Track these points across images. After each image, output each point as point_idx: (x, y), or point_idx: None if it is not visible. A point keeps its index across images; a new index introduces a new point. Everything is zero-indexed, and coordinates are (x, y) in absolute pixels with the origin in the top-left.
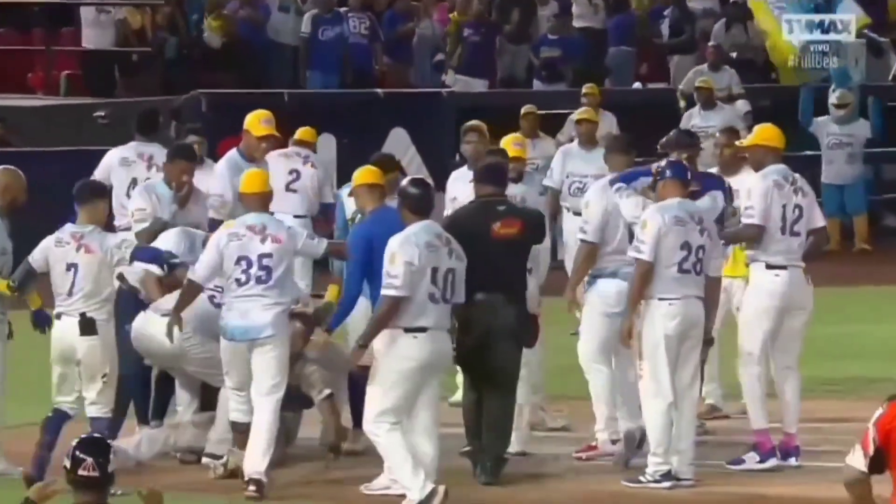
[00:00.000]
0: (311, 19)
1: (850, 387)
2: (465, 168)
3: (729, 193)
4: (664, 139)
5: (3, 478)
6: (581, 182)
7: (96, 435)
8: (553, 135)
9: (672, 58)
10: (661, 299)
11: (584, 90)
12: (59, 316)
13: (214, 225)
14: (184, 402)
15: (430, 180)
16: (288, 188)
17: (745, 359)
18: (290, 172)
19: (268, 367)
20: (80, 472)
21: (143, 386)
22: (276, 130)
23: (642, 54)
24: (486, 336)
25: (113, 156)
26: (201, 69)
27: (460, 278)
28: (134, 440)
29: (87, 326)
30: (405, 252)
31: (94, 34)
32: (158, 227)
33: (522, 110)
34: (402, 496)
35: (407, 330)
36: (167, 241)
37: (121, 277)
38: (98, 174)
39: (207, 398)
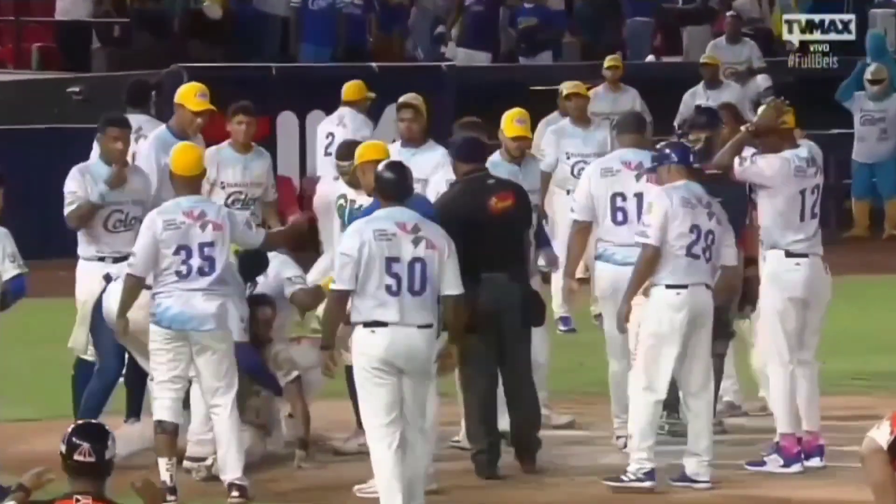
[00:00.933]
0: None
1: (880, 381)
2: (397, 144)
3: None
4: (683, 118)
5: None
6: (585, 162)
7: (94, 421)
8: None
9: (684, 29)
10: (668, 287)
11: (606, 63)
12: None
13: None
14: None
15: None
16: (326, 152)
17: (774, 359)
18: (327, 136)
19: (216, 368)
20: (76, 457)
21: (139, 378)
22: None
23: (657, 25)
24: (494, 317)
25: None
26: (185, 41)
27: (433, 269)
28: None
29: None
30: (345, 243)
31: (68, 4)
32: (86, 210)
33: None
34: None
35: (364, 325)
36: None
37: (107, 277)
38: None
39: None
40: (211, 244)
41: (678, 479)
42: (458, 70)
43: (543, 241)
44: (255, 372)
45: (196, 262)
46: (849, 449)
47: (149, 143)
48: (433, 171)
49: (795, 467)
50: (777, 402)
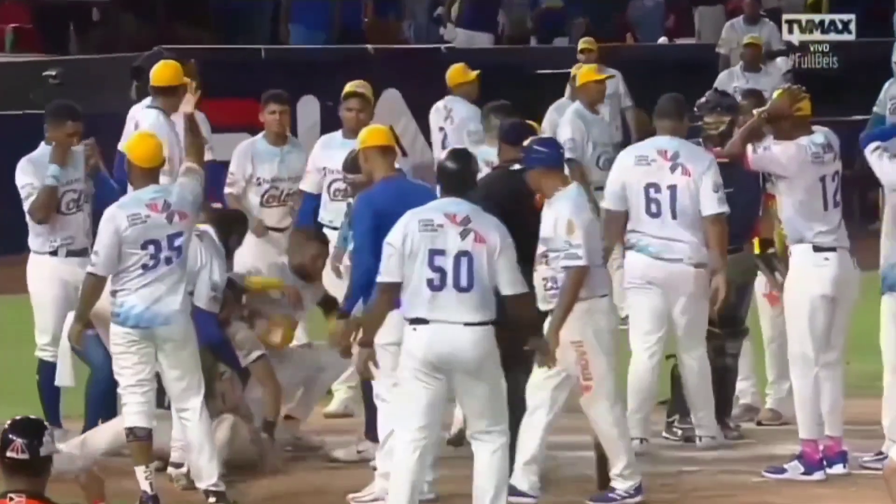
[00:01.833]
0: None
1: None
2: (338, 134)
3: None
4: (700, 101)
5: None
6: (612, 154)
7: (32, 416)
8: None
9: (696, 9)
10: (582, 300)
11: (580, 45)
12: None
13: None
14: None
15: (428, 150)
16: (443, 145)
17: (799, 361)
18: (439, 130)
19: (183, 367)
20: (9, 454)
21: None
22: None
23: (669, 6)
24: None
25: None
26: (169, 22)
27: (481, 264)
28: (77, 441)
29: None
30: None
31: None
32: (46, 197)
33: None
34: None
35: (409, 321)
36: None
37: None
38: None
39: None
40: (179, 234)
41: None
42: (458, 52)
43: None
44: (214, 344)
45: (164, 253)
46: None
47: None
48: None
49: (817, 475)
50: (799, 405)
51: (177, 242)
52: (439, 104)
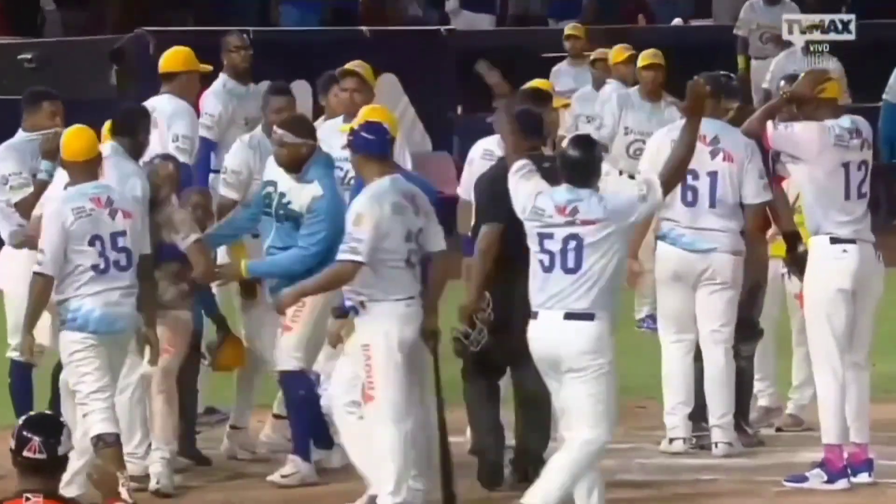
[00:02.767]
0: None
1: None
2: (334, 120)
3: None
4: (776, 81)
5: None
6: (643, 142)
7: (47, 412)
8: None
9: None
10: (397, 300)
11: (566, 32)
12: None
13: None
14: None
15: (426, 138)
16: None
17: (822, 362)
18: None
19: (121, 371)
20: (26, 453)
21: None
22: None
23: None
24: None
25: None
26: (150, 2)
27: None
28: None
29: None
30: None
31: None
32: (39, 192)
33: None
34: None
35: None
36: None
37: None
38: None
39: None
40: (122, 233)
41: None
42: (459, 35)
43: None
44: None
45: (111, 254)
46: None
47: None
48: None
49: (841, 483)
50: (822, 408)
51: (121, 242)
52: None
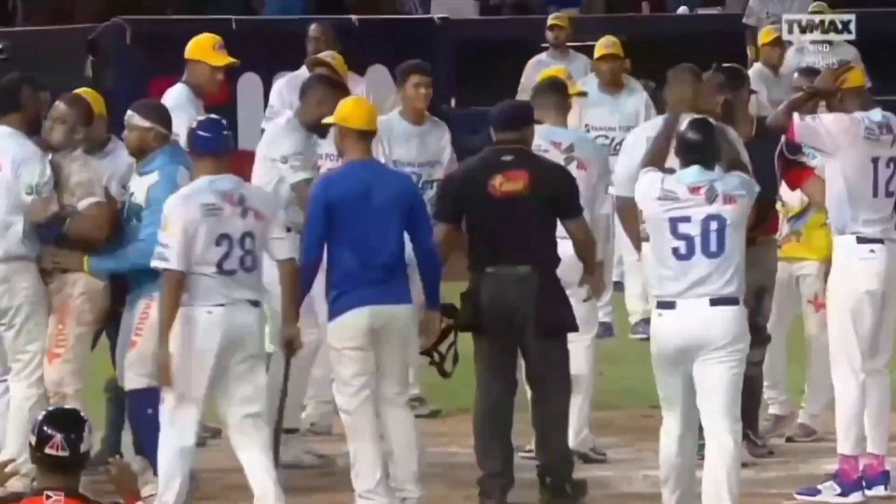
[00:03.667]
0: None
1: None
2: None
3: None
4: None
5: None
6: (607, 137)
7: (68, 407)
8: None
9: None
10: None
11: (549, 21)
12: None
13: None
14: None
15: None
16: None
17: (842, 367)
18: None
19: None
20: (47, 450)
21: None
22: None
23: None
24: (501, 318)
25: None
26: None
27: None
28: None
29: None
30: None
31: None
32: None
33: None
34: None
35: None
36: None
37: None
38: None
39: None
40: None
41: None
42: (453, 24)
43: None
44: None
45: None
46: None
47: (178, 104)
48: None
49: (855, 496)
50: (840, 416)
51: None
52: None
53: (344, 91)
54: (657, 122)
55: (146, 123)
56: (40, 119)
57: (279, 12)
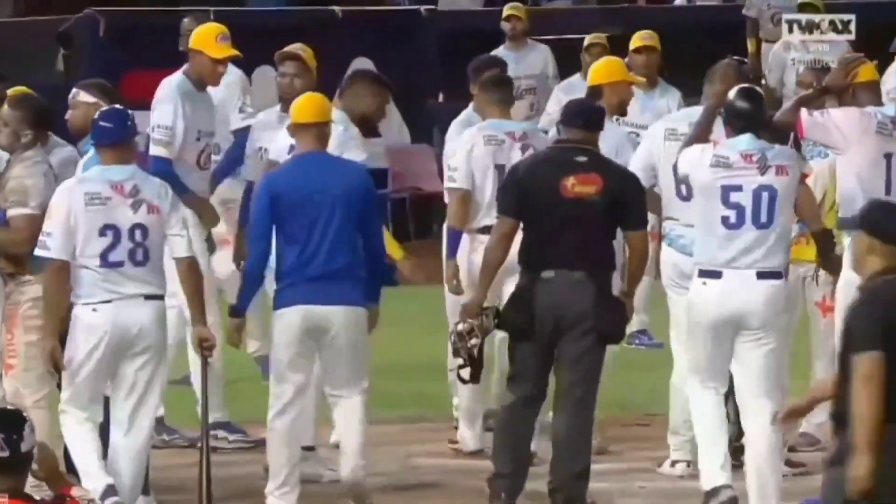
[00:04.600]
0: None
1: None
2: (275, 110)
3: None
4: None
5: None
6: (637, 133)
7: (10, 407)
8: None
9: None
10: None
11: (504, 12)
12: None
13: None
14: None
15: (405, 129)
16: None
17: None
18: None
19: None
20: None
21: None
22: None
23: None
24: (547, 322)
25: None
26: None
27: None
28: None
29: None
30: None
31: None
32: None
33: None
34: None
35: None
36: None
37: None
38: None
39: None
40: None
41: None
42: (442, 15)
43: None
44: None
45: None
46: None
47: (165, 95)
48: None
49: None
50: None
51: None
52: None
53: (385, 86)
54: (678, 115)
55: (91, 99)
56: None
57: (259, 4)
